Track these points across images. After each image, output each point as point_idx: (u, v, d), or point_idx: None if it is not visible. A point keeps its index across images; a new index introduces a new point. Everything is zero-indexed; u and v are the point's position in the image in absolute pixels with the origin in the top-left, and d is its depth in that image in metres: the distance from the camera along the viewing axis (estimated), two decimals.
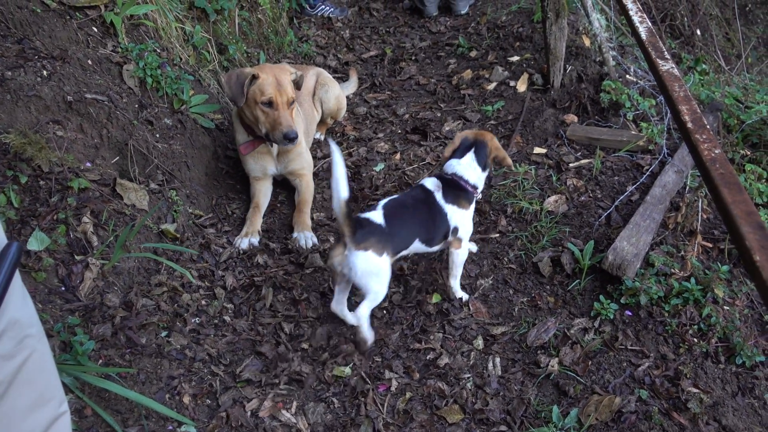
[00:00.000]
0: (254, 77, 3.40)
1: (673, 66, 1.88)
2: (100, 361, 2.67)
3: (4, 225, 2.79)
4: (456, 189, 2.90)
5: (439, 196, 2.89)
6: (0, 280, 1.39)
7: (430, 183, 2.94)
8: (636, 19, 2.21)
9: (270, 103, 3.39)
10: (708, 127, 1.58)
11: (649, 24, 2.16)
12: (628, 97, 4.15)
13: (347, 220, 2.59)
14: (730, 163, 3.61)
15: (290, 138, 3.39)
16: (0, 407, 1.52)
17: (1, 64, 3.29)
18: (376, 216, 2.73)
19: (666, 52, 1.97)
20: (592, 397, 2.57)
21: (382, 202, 2.83)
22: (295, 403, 2.64)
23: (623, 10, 2.33)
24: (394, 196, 2.93)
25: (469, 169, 2.92)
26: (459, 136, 2.98)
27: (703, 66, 6.10)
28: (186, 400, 2.65)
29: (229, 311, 3.07)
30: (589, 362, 2.73)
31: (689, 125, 1.61)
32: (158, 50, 4.09)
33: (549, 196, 3.57)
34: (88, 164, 3.28)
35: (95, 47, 3.86)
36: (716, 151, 1.49)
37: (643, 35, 2.10)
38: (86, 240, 3.01)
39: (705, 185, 1.71)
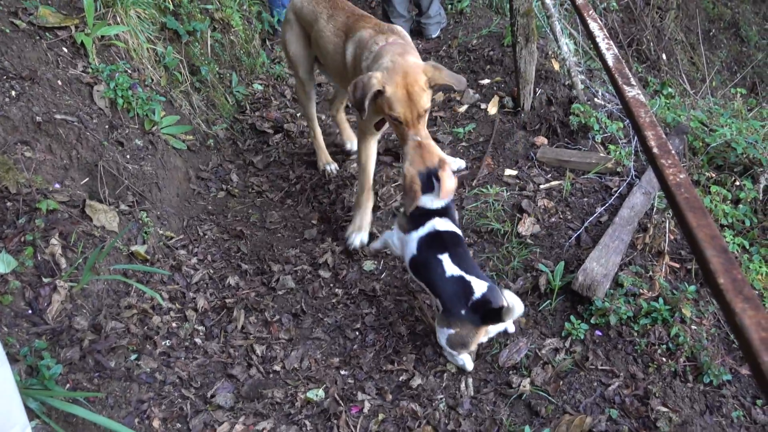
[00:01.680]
0: (380, 92, 2.96)
1: (639, 92, 1.92)
2: (68, 385, 2.62)
3: None
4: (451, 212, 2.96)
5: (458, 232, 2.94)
6: None
7: (443, 225, 2.87)
8: (603, 45, 2.26)
9: (399, 120, 3.01)
10: (673, 152, 1.62)
11: (616, 51, 2.21)
12: (596, 120, 4.23)
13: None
14: (696, 185, 3.70)
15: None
16: None
17: None
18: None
19: (632, 78, 2.01)
20: (564, 416, 2.59)
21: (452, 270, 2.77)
22: (267, 427, 2.62)
23: (590, 37, 2.38)
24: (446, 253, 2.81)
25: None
26: (412, 173, 2.83)
27: (669, 89, 6.24)
28: (156, 424, 2.61)
29: (200, 333, 3.04)
30: (561, 382, 2.75)
31: (655, 150, 1.65)
32: (129, 71, 4.08)
33: (520, 218, 3.60)
34: (57, 185, 3.24)
35: (65, 68, 3.83)
36: (681, 176, 1.53)
37: (610, 62, 2.14)
38: (54, 262, 2.97)
39: (671, 209, 1.75)
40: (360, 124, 3.57)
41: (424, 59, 5.60)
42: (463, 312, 2.68)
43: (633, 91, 1.96)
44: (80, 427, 2.50)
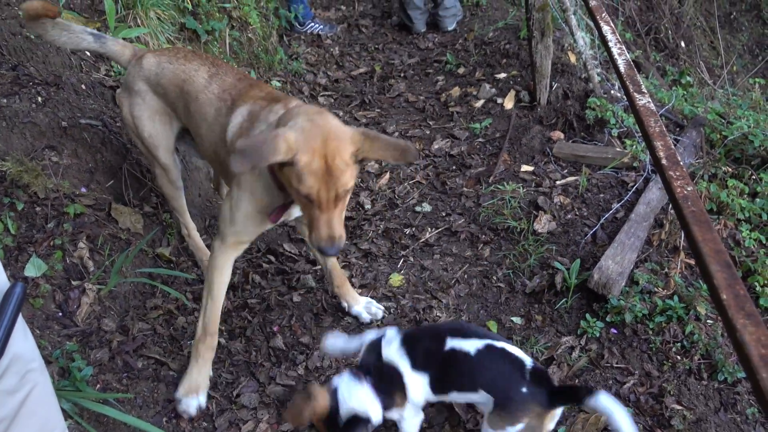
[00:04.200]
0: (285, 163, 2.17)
1: (650, 101, 1.96)
2: (98, 385, 2.72)
3: (3, 259, 2.84)
4: None
5: None
6: (5, 321, 1.45)
7: None
8: (615, 51, 2.29)
9: (310, 199, 2.22)
10: (681, 164, 1.66)
11: (628, 56, 2.24)
12: (612, 114, 4.24)
13: None
14: (713, 178, 3.71)
15: (329, 254, 2.33)
16: None
17: None
18: None
19: (643, 86, 2.05)
20: (579, 415, 2.64)
21: None
22: (291, 427, 2.70)
23: (603, 41, 2.41)
24: None
25: None
26: None
27: (688, 78, 6.22)
28: (183, 423, 2.70)
29: (224, 333, 3.12)
30: (576, 380, 2.80)
31: (664, 162, 1.69)
32: None
33: (536, 215, 3.64)
34: (84, 189, 3.33)
35: (88, 71, 3.92)
36: (689, 189, 1.57)
37: (622, 68, 2.18)
38: (82, 265, 3.07)
39: (678, 221, 1.79)
40: (224, 221, 2.60)
41: (440, 53, 5.67)
42: (524, 390, 2.07)
43: (643, 99, 1.99)
44: (111, 427, 2.60)
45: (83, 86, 3.77)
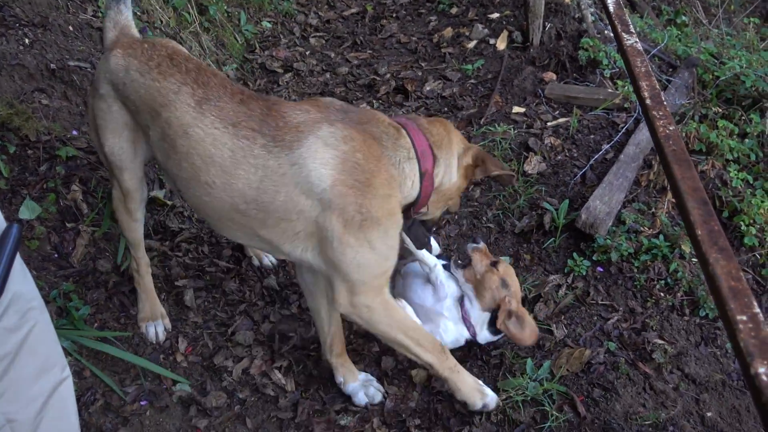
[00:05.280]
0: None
1: (637, 41, 1.96)
2: (96, 324, 2.79)
3: None
4: None
5: None
6: (4, 261, 1.49)
7: None
8: None
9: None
10: (665, 103, 1.68)
11: None
12: (605, 55, 4.22)
13: None
14: (704, 119, 3.72)
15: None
16: (8, 376, 1.64)
17: None
18: None
19: (631, 26, 2.05)
20: (564, 349, 2.72)
21: None
22: (284, 364, 2.77)
23: None
24: None
25: None
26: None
27: (683, 18, 6.14)
28: (179, 359, 2.78)
29: (217, 273, 3.17)
30: (562, 317, 2.88)
31: (648, 101, 1.71)
32: (138, 13, 4.10)
33: (527, 156, 3.66)
34: (75, 132, 3.34)
35: (75, 12, 3.88)
36: (671, 128, 1.59)
37: (611, 7, 2.17)
38: (76, 207, 3.10)
39: (659, 160, 1.82)
40: (371, 275, 2.22)
41: None
42: None
43: (631, 40, 2.00)
44: (109, 364, 2.67)
45: (71, 27, 3.73)
